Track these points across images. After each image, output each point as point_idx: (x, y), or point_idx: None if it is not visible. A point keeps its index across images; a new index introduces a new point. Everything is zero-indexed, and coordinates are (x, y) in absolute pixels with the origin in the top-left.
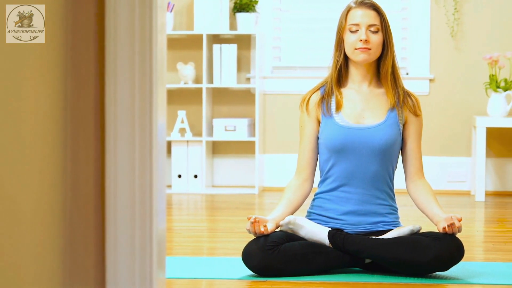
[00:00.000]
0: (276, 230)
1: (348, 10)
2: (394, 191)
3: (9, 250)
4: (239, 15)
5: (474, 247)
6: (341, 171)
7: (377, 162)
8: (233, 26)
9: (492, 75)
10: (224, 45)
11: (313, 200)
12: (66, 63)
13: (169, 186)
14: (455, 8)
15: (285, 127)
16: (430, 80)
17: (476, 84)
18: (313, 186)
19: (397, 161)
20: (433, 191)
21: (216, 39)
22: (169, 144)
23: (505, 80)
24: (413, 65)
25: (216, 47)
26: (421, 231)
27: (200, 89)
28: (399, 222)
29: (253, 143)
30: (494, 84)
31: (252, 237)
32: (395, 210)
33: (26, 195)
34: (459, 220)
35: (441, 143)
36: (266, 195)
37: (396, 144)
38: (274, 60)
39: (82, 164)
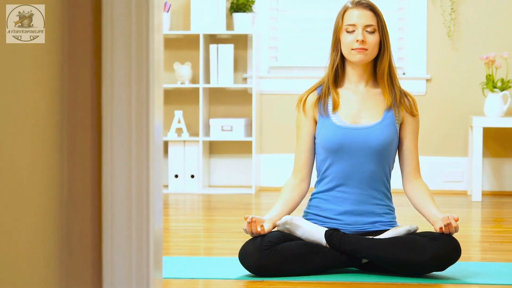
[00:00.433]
0: (273, 230)
1: (345, 10)
2: (391, 191)
3: (6, 250)
4: (236, 15)
5: (470, 247)
6: (338, 171)
7: (374, 162)
8: (229, 26)
9: (489, 75)
10: (221, 45)
11: (310, 200)
12: (63, 63)
13: (166, 186)
14: (452, 8)
15: (282, 127)
16: (427, 80)
17: (472, 84)
18: (310, 186)
19: (394, 161)
20: (430, 191)
21: (213, 39)
22: (166, 144)
23: (502, 80)
24: (409, 65)
25: (213, 47)
26: (417, 231)
27: (197, 89)
28: (396, 222)
29: (250, 143)
30: (491, 84)
31: (249, 237)
32: (392, 210)
33: (22, 196)
34: (456, 220)
35: (437, 143)
36: (263, 195)
37: (393, 144)
38: (271, 60)
39: (78, 164)
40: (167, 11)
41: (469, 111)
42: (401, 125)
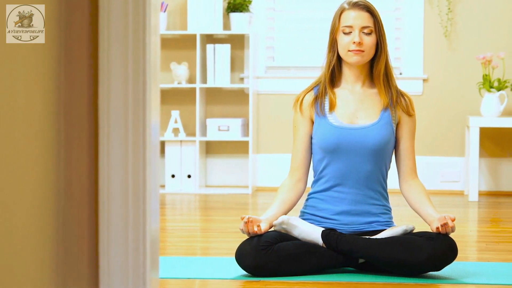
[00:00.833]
0: (269, 230)
1: (341, 11)
2: (388, 191)
3: (2, 251)
4: (233, 15)
5: (467, 247)
6: (334, 171)
7: (371, 162)
8: (226, 26)
9: (486, 75)
10: (217, 45)
11: (307, 200)
12: (60, 63)
13: (163, 186)
14: (449, 8)
15: (279, 127)
16: (424, 80)
17: (469, 84)
18: (307, 186)
19: (391, 161)
20: (427, 191)
21: (209, 39)
22: (162, 144)
23: (499, 80)
24: (406, 65)
25: (209, 47)
26: (414, 231)
27: (194, 89)
28: (392, 222)
29: (246, 143)
30: (488, 84)
31: (246, 237)
32: (388, 210)
33: (19, 195)
34: (453, 220)
35: (434, 143)
36: (260, 195)
37: (389, 144)
38: (268, 60)
39: (75, 164)
40: (164, 11)
41: (465, 111)
42: (397, 125)
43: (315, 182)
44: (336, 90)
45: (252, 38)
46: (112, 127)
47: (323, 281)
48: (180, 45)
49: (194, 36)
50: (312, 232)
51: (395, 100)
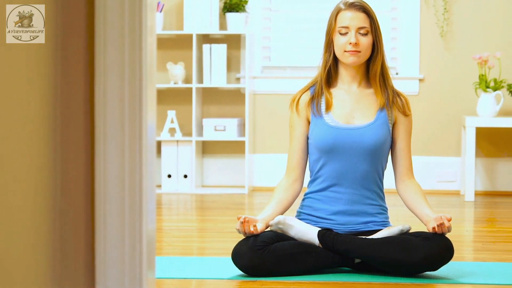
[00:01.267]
0: (266, 230)
1: (338, 11)
2: (384, 191)
3: None
4: (229, 15)
5: (463, 247)
6: (331, 171)
7: (367, 162)
8: (223, 26)
9: (482, 75)
10: (214, 45)
11: (303, 200)
12: (56, 64)
13: (159, 186)
14: (445, 8)
15: (275, 127)
16: (420, 80)
17: (465, 84)
18: (303, 186)
19: (387, 161)
20: (423, 191)
21: (206, 39)
22: (159, 144)
23: (495, 80)
24: (402, 65)
25: (206, 47)
26: (410, 231)
27: (190, 89)
28: (388, 222)
29: (243, 143)
30: (484, 84)
31: (242, 237)
32: (384, 210)
33: (15, 195)
34: (449, 220)
35: (430, 143)
36: (256, 195)
37: (385, 144)
38: (264, 60)
39: (71, 164)
40: (160, 11)
41: (462, 111)
42: (394, 125)
43: (311, 182)
44: (333, 90)
45: (248, 38)
46: (108, 127)
47: (320, 281)
48: (176, 45)
49: (190, 36)
50: (308, 232)
51: (391, 100)
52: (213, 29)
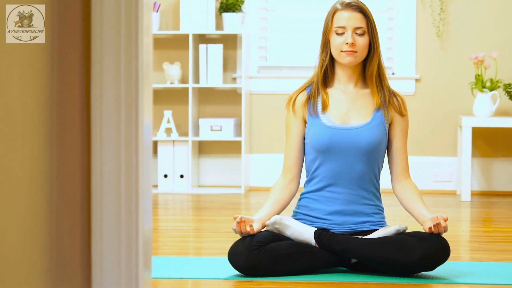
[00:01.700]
0: (262, 230)
1: (334, 11)
2: (380, 191)
3: None
4: (225, 15)
5: (460, 247)
6: (327, 171)
7: (363, 162)
8: (219, 26)
9: (478, 75)
10: (210, 45)
11: (299, 200)
12: (53, 63)
13: (155, 186)
14: (441, 8)
15: (271, 127)
16: (416, 80)
17: (462, 84)
18: (300, 186)
19: (383, 161)
20: (419, 191)
21: (202, 39)
22: (155, 144)
23: (491, 80)
24: (399, 65)
25: (202, 47)
26: (407, 231)
27: (186, 89)
28: (385, 222)
29: (239, 143)
30: (480, 84)
31: (238, 237)
32: (381, 210)
33: (11, 195)
34: (445, 220)
35: (427, 143)
36: (252, 195)
37: (382, 144)
38: (260, 60)
39: (68, 164)
40: (157, 11)
41: (458, 111)
42: (390, 125)
43: (307, 182)
44: (329, 90)
45: (245, 38)
46: (104, 127)
47: (316, 281)
48: (172, 45)
49: (186, 36)
50: (304, 232)
51: (388, 100)
52: (210, 29)
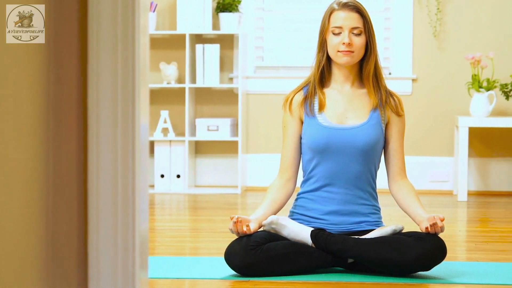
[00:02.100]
0: (259, 230)
1: (331, 11)
2: (377, 191)
3: None
4: (222, 15)
5: (456, 246)
6: (324, 171)
7: (360, 162)
8: (216, 26)
9: (475, 75)
10: (207, 45)
11: (296, 200)
12: (49, 63)
13: (152, 186)
14: (438, 8)
15: (268, 127)
16: (413, 80)
17: (458, 84)
18: (296, 186)
19: (380, 161)
20: (416, 191)
21: (199, 39)
22: (151, 144)
23: (488, 80)
24: (395, 65)
25: (199, 47)
26: (403, 231)
27: (183, 89)
28: (381, 222)
29: (236, 143)
30: (477, 84)
31: (235, 237)
32: (377, 210)
33: (7, 195)
34: (442, 220)
35: (423, 143)
36: (249, 195)
37: (378, 144)
38: (257, 60)
39: (64, 164)
40: (153, 11)
41: (455, 111)
42: (387, 125)
43: (304, 182)
44: (326, 90)
45: (242, 38)
46: (101, 127)
47: (312, 281)
48: (169, 45)
49: (183, 36)
50: (301, 232)
51: (384, 100)
52: (206, 29)
